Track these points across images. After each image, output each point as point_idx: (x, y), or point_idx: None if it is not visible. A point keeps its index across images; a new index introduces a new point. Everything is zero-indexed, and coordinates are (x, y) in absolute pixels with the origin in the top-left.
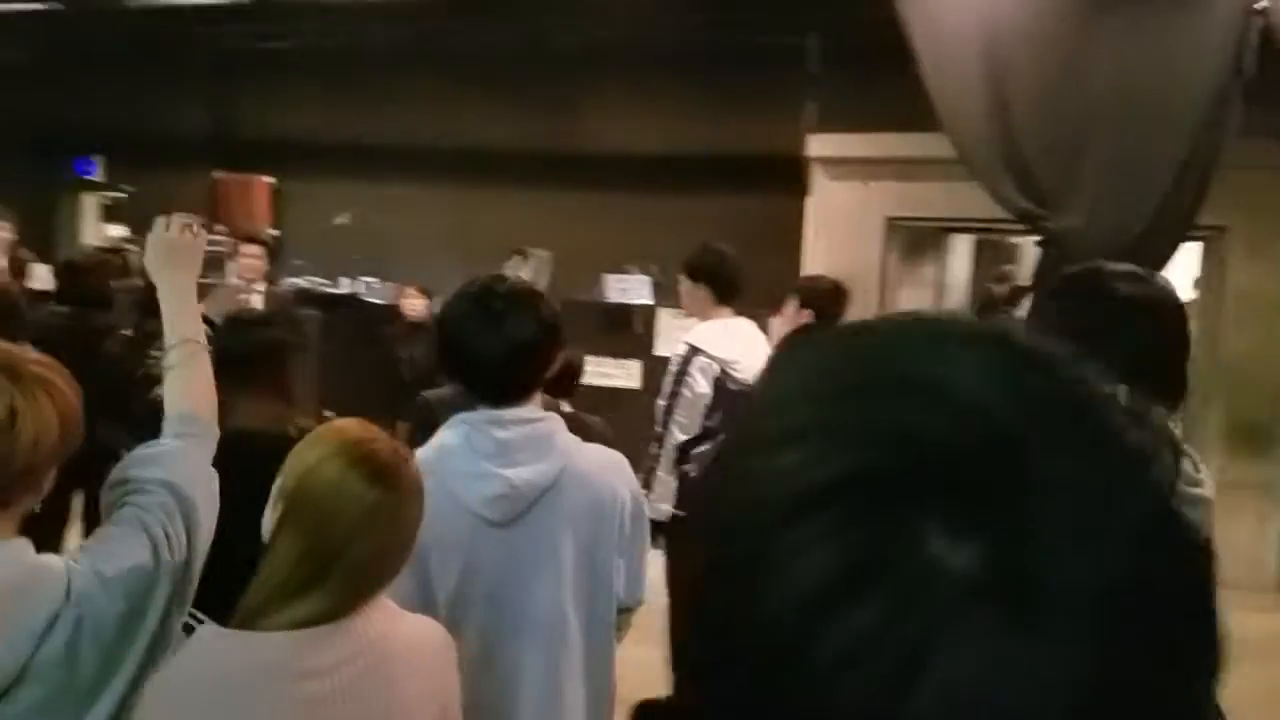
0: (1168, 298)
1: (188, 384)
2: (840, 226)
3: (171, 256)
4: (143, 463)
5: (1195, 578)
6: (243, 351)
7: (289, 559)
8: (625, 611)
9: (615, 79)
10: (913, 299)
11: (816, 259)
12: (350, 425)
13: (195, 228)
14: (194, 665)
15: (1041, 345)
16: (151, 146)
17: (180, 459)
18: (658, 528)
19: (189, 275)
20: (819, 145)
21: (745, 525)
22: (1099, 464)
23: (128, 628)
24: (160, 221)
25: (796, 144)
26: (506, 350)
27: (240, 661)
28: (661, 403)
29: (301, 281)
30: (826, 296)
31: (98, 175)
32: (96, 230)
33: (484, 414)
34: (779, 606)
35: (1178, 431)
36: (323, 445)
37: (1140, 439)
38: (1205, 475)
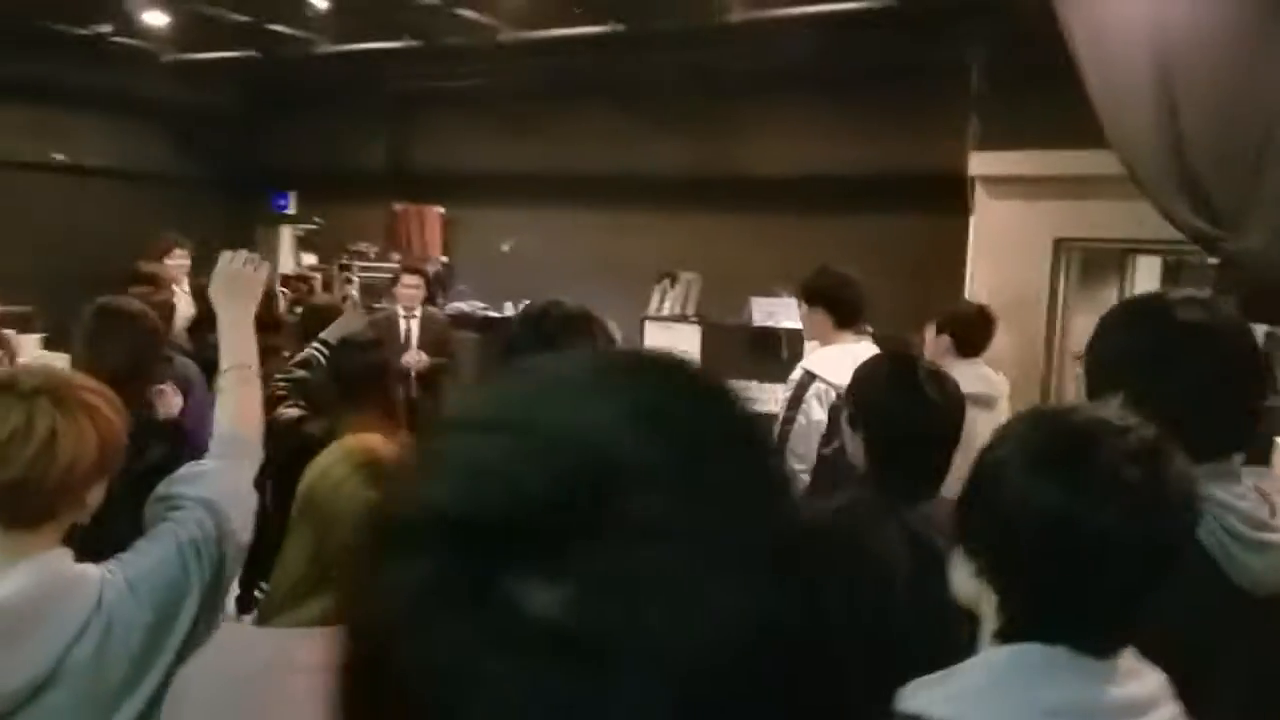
0: (1232, 325)
1: (236, 407)
2: (1004, 247)
3: (232, 287)
4: (185, 480)
5: (823, 625)
6: (351, 371)
7: (299, 560)
8: None
9: (772, 100)
10: (1090, 325)
11: (979, 281)
12: (371, 436)
13: (255, 263)
14: (211, 659)
15: (696, 382)
16: (337, 181)
17: (220, 478)
18: None
19: (247, 305)
20: (981, 163)
21: (359, 549)
22: (714, 507)
23: (155, 637)
24: (225, 256)
25: (958, 162)
26: None
27: (250, 656)
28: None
29: (464, 305)
30: (968, 323)
31: (291, 209)
32: (294, 258)
33: None
34: (369, 625)
35: (1243, 470)
36: (335, 452)
37: (778, 475)
38: None
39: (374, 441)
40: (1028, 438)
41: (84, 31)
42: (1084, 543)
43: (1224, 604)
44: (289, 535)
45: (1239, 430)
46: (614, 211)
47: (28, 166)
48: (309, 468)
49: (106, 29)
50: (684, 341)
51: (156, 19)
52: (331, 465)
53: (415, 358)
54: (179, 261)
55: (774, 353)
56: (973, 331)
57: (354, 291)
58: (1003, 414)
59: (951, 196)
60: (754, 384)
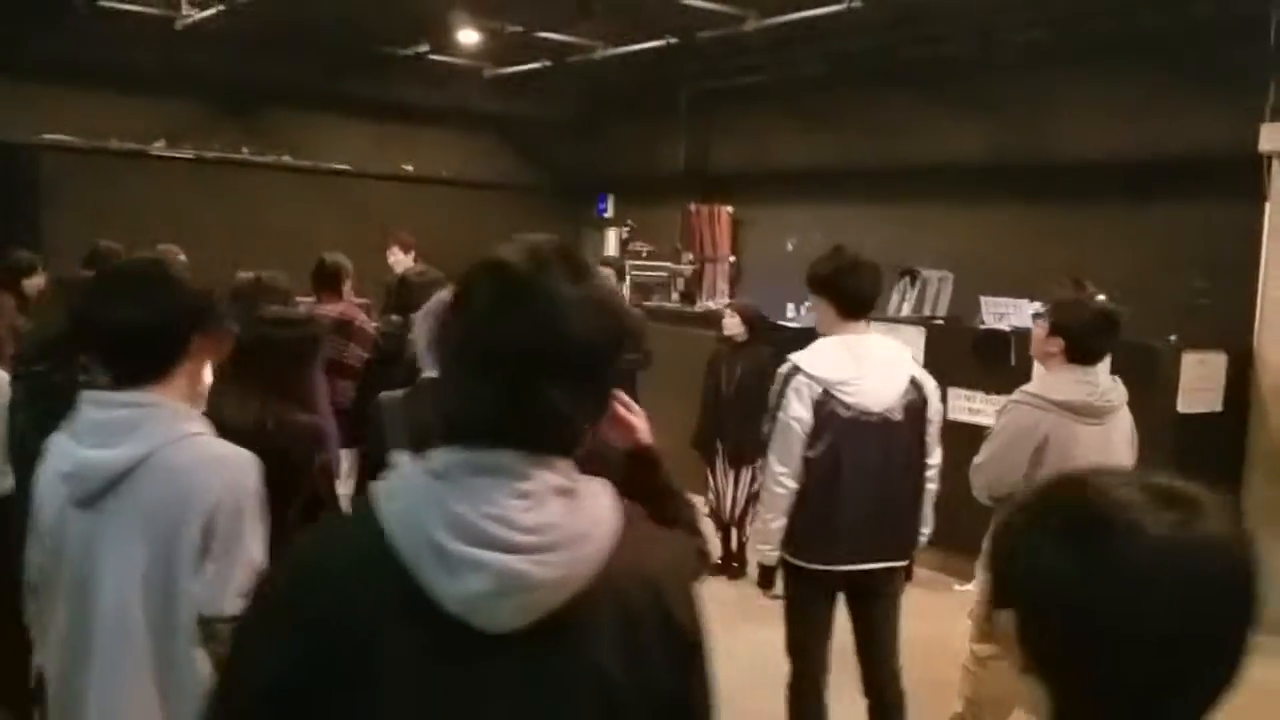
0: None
1: None
2: None
3: None
4: None
5: None
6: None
7: None
8: (211, 622)
9: (1059, 78)
10: None
11: (1276, 276)
12: None
13: None
14: None
15: None
16: (646, 184)
17: None
18: (765, 573)
19: None
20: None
21: None
22: None
23: None
24: None
25: (1249, 138)
26: None
27: None
28: (765, 429)
29: (711, 304)
30: (1085, 326)
31: (609, 212)
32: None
33: None
34: None
35: None
36: None
37: None
38: None
39: None
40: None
41: (407, 52)
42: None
43: None
44: None
45: None
46: (897, 206)
47: (381, 178)
48: None
49: (424, 48)
50: (908, 345)
51: (469, 37)
52: None
53: None
54: None
55: (1002, 359)
56: (1089, 337)
57: (624, 291)
58: (1118, 429)
59: (1242, 177)
60: (978, 395)
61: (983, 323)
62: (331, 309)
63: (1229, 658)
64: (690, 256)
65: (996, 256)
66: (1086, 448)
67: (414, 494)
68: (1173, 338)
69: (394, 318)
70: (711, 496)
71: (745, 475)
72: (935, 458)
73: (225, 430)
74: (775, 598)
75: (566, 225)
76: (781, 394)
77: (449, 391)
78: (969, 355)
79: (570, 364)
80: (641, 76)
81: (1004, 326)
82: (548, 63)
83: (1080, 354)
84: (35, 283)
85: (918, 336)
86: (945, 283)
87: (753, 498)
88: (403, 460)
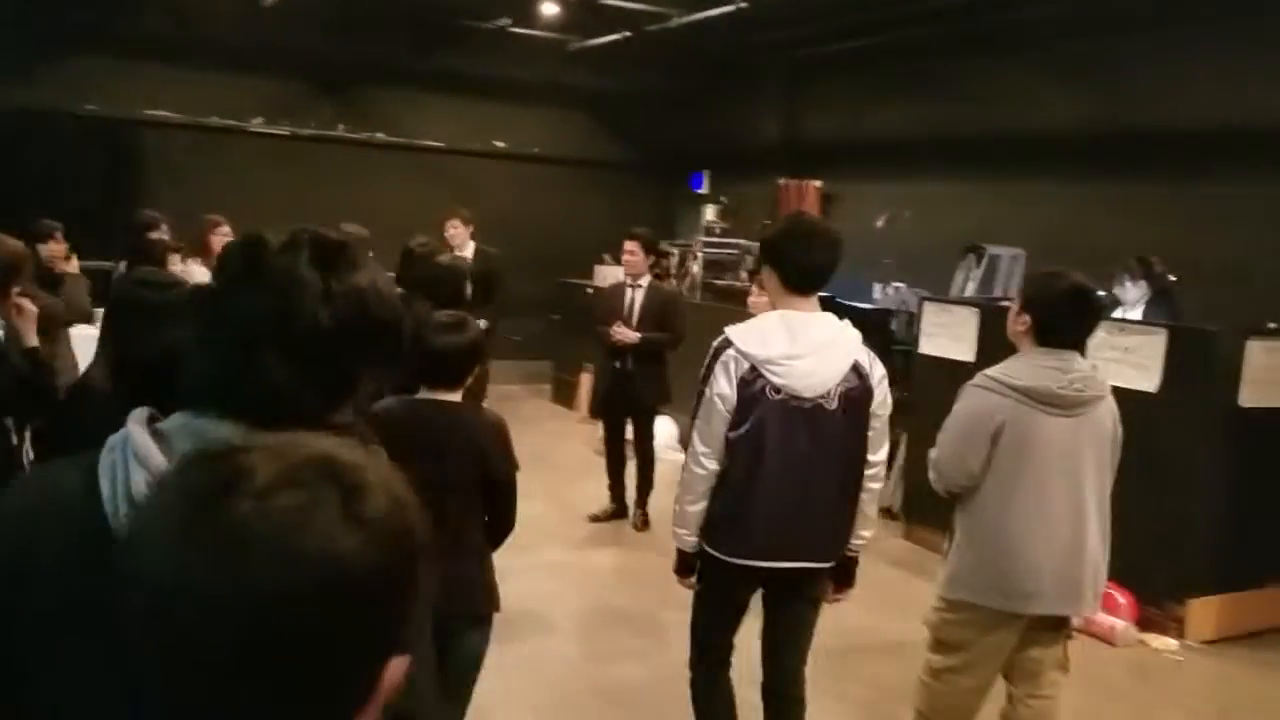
0: None
1: None
2: None
3: None
4: None
5: None
6: None
7: None
8: None
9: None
10: None
11: None
12: None
13: None
14: None
15: None
16: (740, 158)
17: None
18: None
19: None
20: None
21: None
22: None
23: None
24: None
25: None
26: None
27: None
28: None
29: None
30: (1052, 299)
31: (705, 188)
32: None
33: None
34: None
35: None
36: None
37: None
38: None
39: None
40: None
41: (491, 25)
42: None
43: None
44: None
45: None
46: (991, 180)
47: (473, 154)
48: None
49: (507, 21)
50: (959, 327)
51: (550, 9)
52: None
53: (620, 332)
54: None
55: None
56: (1059, 316)
57: (696, 269)
58: (1093, 424)
59: None
60: None
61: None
62: None
63: None
64: None
65: (1089, 235)
66: (1049, 442)
67: (128, 448)
68: (1272, 325)
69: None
70: None
71: None
72: (879, 454)
73: None
74: (694, 588)
75: (660, 202)
76: (709, 367)
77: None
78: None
79: (297, 343)
80: (732, 45)
81: None
82: (627, 33)
83: (1050, 335)
84: (52, 248)
85: (970, 318)
86: (1017, 262)
87: None
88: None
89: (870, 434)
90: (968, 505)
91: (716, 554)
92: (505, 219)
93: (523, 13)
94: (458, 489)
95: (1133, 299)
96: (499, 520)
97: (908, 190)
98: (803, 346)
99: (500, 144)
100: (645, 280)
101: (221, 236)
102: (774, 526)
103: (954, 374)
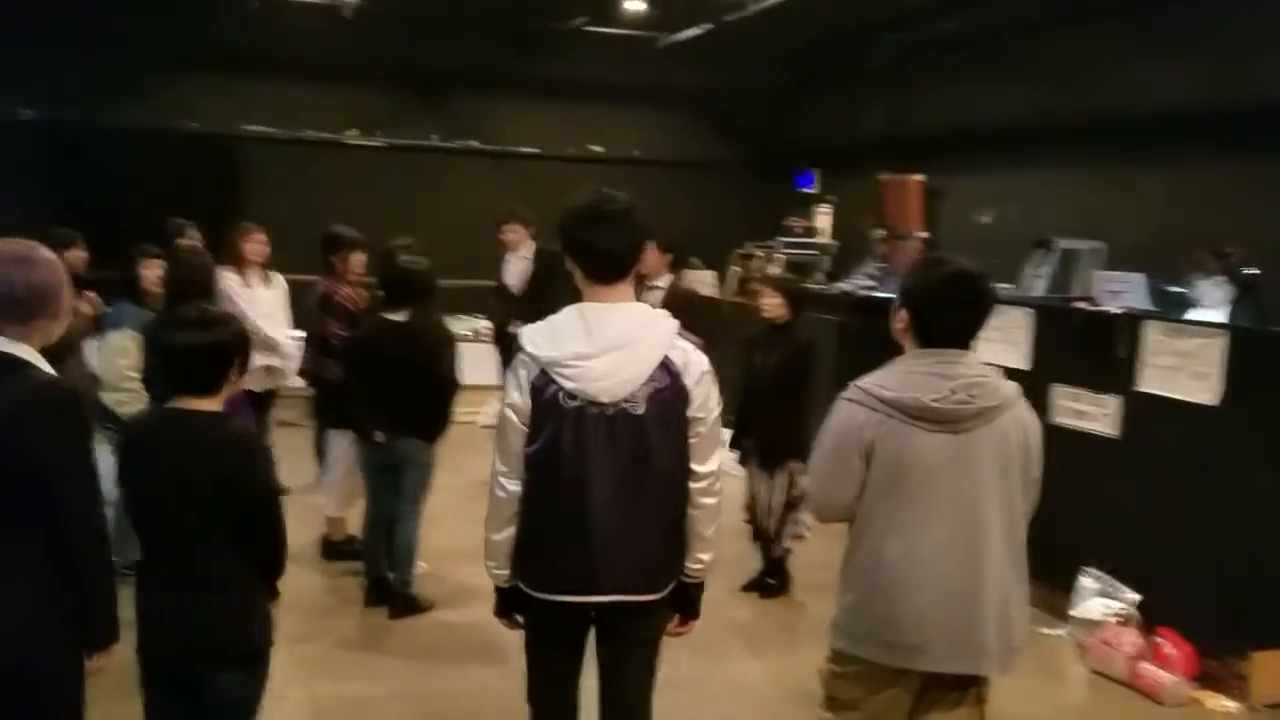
0: None
1: None
2: None
3: None
4: None
5: None
6: None
7: None
8: None
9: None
10: None
11: None
12: None
13: None
14: None
15: None
16: (847, 154)
17: None
18: None
19: None
20: None
21: None
22: None
23: None
24: None
25: None
26: None
27: None
28: None
29: (846, 285)
30: (928, 290)
31: (815, 187)
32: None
33: None
34: None
35: None
36: None
37: None
38: None
39: None
40: None
41: (574, 25)
42: None
43: None
44: None
45: None
46: (1104, 167)
47: (569, 160)
48: None
49: (587, 20)
50: (1013, 330)
51: (632, 5)
52: None
53: None
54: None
55: (1106, 348)
56: (937, 310)
57: (774, 269)
58: (990, 443)
59: None
60: (1083, 394)
61: (1094, 303)
62: (322, 282)
63: None
64: (881, 233)
65: (1217, 222)
66: (930, 465)
67: None
68: None
69: (379, 293)
70: (749, 503)
71: (781, 478)
72: (708, 464)
73: None
74: (518, 626)
75: (768, 203)
76: (507, 375)
77: None
78: (1074, 343)
79: None
80: (833, 32)
81: (1114, 308)
82: (709, 25)
83: (931, 332)
84: (74, 256)
85: (1024, 319)
86: (1096, 256)
87: (792, 504)
88: None
89: (693, 441)
90: (849, 540)
91: (528, 590)
92: None
93: (600, 10)
94: (194, 509)
95: (1215, 300)
96: (258, 548)
97: (1011, 182)
98: (599, 344)
99: (597, 148)
100: (663, 280)
101: (255, 244)
102: (581, 554)
103: None
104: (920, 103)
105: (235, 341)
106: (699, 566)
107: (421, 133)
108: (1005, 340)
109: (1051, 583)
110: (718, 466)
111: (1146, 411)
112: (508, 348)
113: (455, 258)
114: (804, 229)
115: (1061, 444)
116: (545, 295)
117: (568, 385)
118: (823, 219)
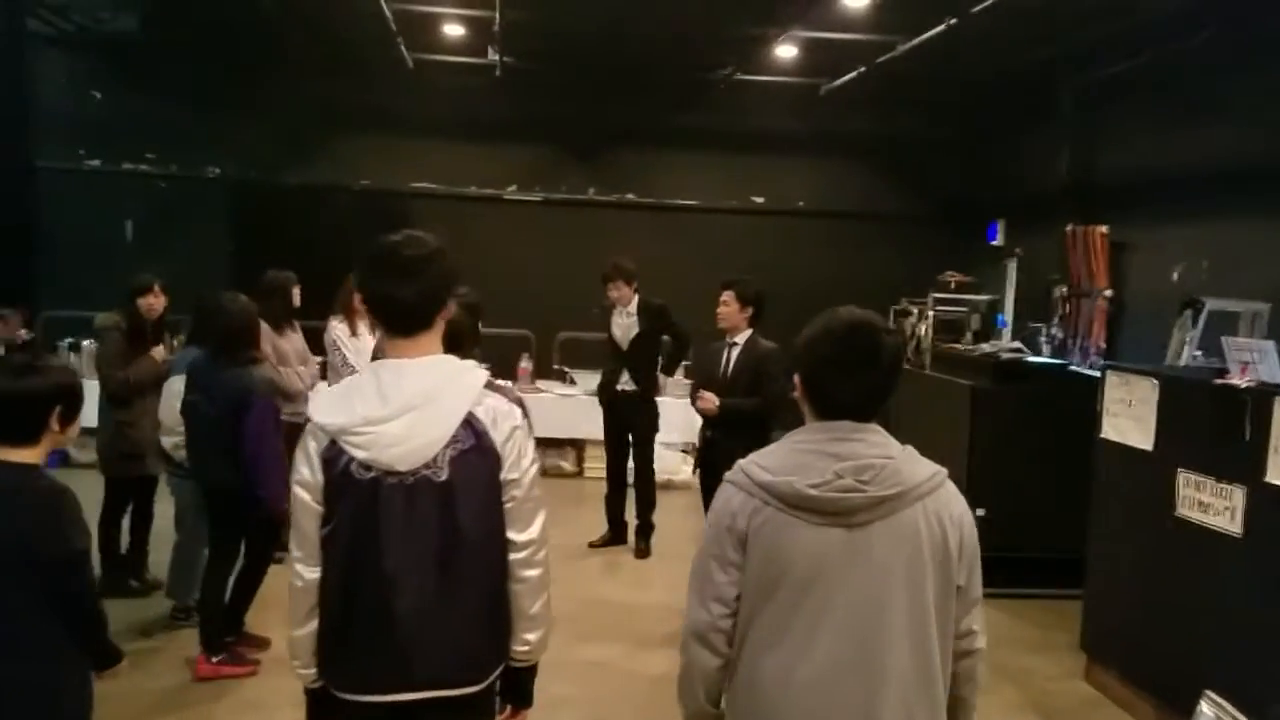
0: None
1: None
2: None
3: None
4: None
5: None
6: None
7: None
8: None
9: None
10: None
11: None
12: None
13: None
14: None
15: None
16: (1031, 205)
17: None
18: None
19: None
20: None
21: None
22: None
23: None
24: None
25: None
26: None
27: None
28: None
29: (988, 347)
30: (815, 351)
31: (999, 239)
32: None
33: None
34: None
35: None
36: None
37: None
38: None
39: None
40: None
41: (727, 74)
42: None
43: None
44: None
45: None
46: None
47: (729, 212)
48: None
49: (728, 70)
50: (1140, 404)
51: (787, 51)
52: None
53: (702, 399)
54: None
55: (1232, 428)
56: (825, 373)
57: (922, 331)
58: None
59: None
60: (1208, 482)
61: (1224, 374)
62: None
63: None
64: (1063, 290)
65: None
66: (814, 565)
67: None
68: None
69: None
70: None
71: None
72: (527, 532)
73: None
74: None
75: (952, 255)
76: (297, 449)
77: None
78: (1200, 422)
79: None
80: (1003, 71)
81: (1241, 381)
82: (862, 68)
83: (822, 402)
84: (149, 301)
85: (1151, 393)
86: (1260, 320)
87: None
88: None
89: (508, 507)
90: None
91: (334, 690)
92: (766, 277)
93: (748, 59)
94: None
95: None
96: (65, 614)
97: (1205, 234)
98: (394, 405)
99: (758, 199)
100: (743, 336)
101: None
102: (387, 646)
103: (1130, 464)
104: (1105, 148)
105: (53, 391)
106: (525, 649)
107: (579, 187)
108: (1131, 415)
109: (1171, 706)
110: (539, 534)
111: (1275, 506)
112: (609, 404)
113: None
114: (956, 284)
115: (1183, 542)
116: (648, 350)
117: (359, 455)
118: (1011, 275)
